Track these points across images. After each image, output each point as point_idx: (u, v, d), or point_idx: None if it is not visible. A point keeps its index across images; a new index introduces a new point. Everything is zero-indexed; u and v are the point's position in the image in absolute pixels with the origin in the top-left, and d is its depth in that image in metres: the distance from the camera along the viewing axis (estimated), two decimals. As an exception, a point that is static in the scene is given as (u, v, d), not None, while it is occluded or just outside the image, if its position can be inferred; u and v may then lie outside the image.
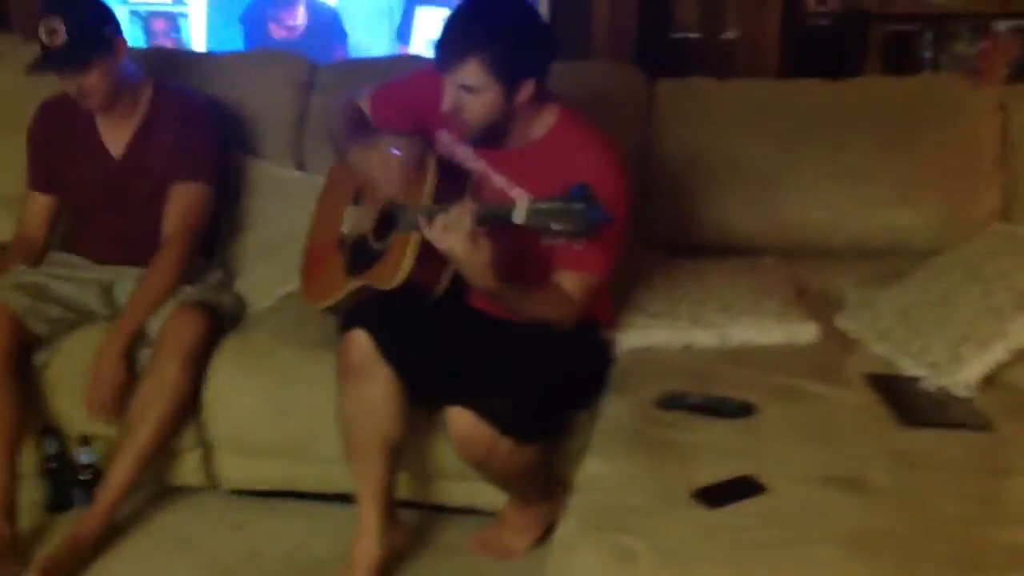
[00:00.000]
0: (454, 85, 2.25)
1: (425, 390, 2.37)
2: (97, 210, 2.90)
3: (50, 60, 2.65)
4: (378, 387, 2.31)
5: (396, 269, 2.31)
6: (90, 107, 2.75)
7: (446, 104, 2.27)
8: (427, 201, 2.32)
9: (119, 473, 2.60)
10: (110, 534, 2.61)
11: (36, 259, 2.94)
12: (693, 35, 4.01)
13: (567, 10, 3.43)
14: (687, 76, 3.15)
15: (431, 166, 2.36)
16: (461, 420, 2.21)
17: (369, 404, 2.33)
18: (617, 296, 2.64)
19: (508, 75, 2.24)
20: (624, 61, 3.41)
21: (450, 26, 2.25)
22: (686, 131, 3.01)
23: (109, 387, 2.62)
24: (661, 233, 3.00)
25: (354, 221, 2.55)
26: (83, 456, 2.75)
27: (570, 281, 2.34)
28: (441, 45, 2.24)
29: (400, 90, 2.57)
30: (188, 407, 2.68)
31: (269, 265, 2.96)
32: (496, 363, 2.32)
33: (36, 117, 2.92)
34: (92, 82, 2.69)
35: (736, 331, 2.56)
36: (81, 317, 2.81)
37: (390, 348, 2.30)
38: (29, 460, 2.73)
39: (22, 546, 2.55)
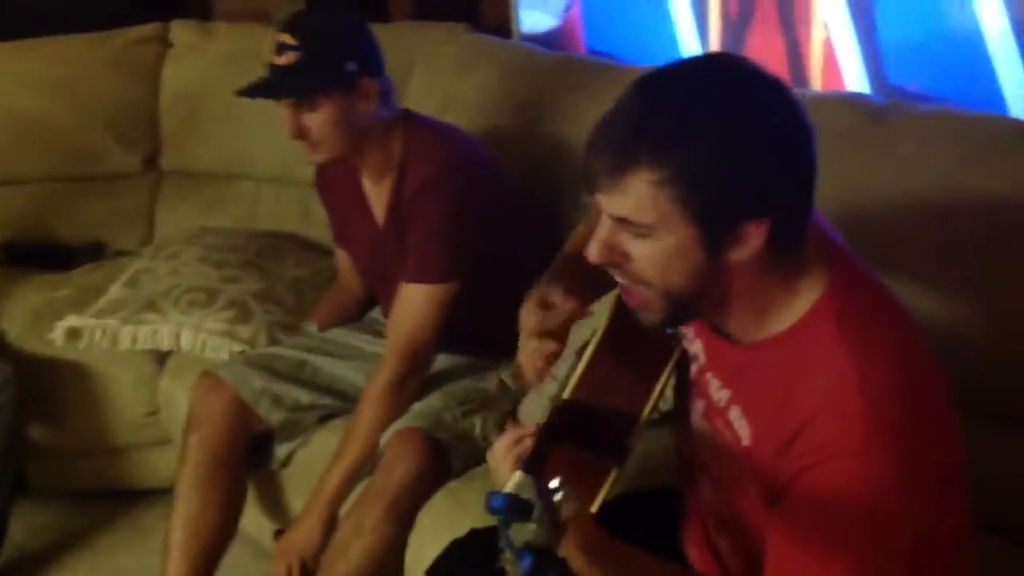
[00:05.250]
0: (609, 217, 1.25)
1: None
2: (375, 282, 2.34)
3: (266, 83, 2.06)
4: None
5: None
6: (315, 158, 2.13)
7: (593, 252, 1.27)
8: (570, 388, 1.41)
9: (297, 635, 2.04)
10: None
11: (356, 313, 2.48)
12: None
13: None
14: None
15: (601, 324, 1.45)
16: None
17: None
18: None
19: (710, 208, 1.19)
20: None
21: (610, 122, 1.23)
22: None
23: (294, 559, 2.08)
24: None
25: None
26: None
27: None
28: (595, 150, 1.24)
29: None
30: (391, 565, 2.01)
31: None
32: None
33: (316, 176, 2.39)
34: (314, 123, 2.05)
35: None
36: (346, 404, 2.26)
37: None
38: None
39: None
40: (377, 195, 2.20)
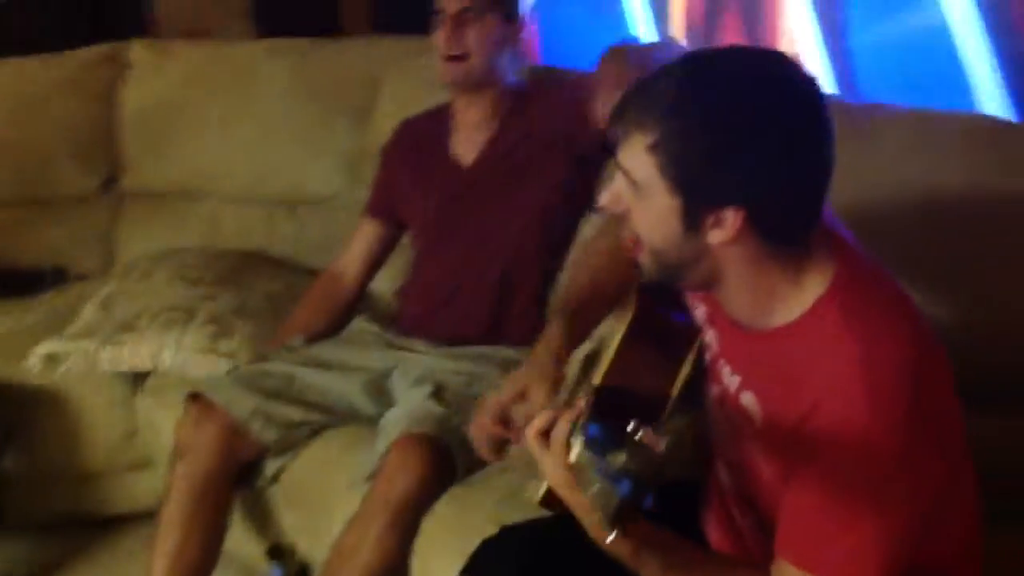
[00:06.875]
0: (619, 168, 1.32)
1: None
2: (432, 242, 2.38)
3: None
4: None
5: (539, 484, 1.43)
6: (449, 76, 2.32)
7: (604, 198, 1.35)
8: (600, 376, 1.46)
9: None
10: None
11: (340, 303, 2.47)
12: None
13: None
14: None
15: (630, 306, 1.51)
16: None
17: None
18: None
19: (684, 184, 1.26)
20: None
21: (651, 80, 1.30)
22: None
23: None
24: None
25: None
26: (272, 572, 2.24)
27: None
28: (626, 100, 1.31)
29: None
30: (396, 572, 2.01)
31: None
32: None
33: (394, 134, 2.52)
34: (473, 35, 2.28)
35: None
36: (336, 419, 2.25)
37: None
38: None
39: None
40: (468, 139, 2.36)
